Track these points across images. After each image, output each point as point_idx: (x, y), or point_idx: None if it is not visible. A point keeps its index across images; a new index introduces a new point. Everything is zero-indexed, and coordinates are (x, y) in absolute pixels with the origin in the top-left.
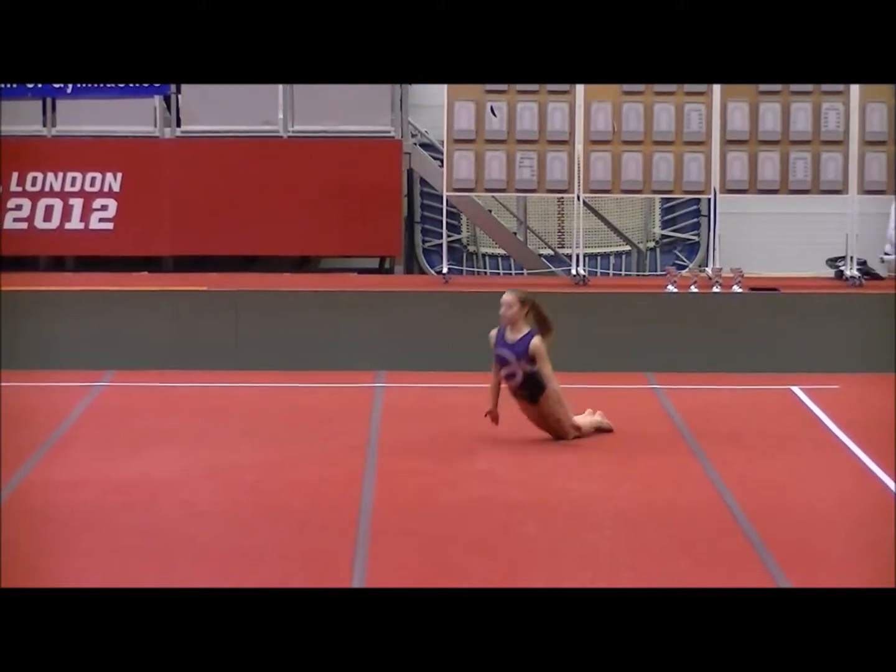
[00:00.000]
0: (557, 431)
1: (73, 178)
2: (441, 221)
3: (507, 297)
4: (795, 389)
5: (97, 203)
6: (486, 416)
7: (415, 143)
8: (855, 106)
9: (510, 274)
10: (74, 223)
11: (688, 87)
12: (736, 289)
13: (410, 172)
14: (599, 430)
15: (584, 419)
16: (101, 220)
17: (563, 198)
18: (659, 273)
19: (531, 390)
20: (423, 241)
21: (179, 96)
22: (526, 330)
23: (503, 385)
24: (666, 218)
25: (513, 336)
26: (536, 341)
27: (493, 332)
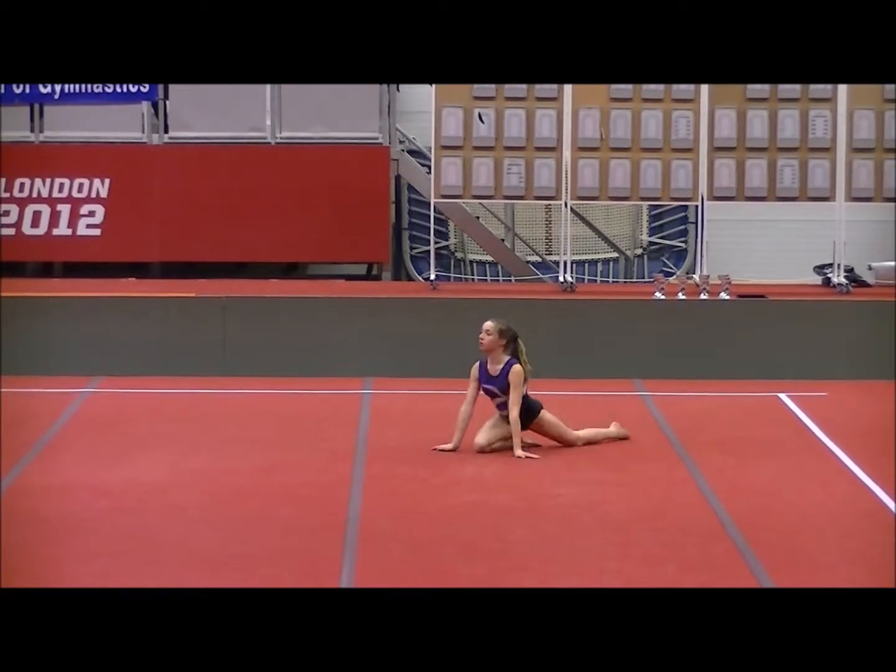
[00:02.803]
0: (564, 442)
1: (61, 184)
2: (429, 228)
3: (488, 324)
4: (783, 396)
5: (85, 209)
6: (436, 449)
7: (402, 150)
8: (843, 113)
9: (498, 280)
10: (62, 229)
11: (676, 94)
12: (723, 296)
13: (398, 179)
14: (617, 438)
15: (588, 431)
16: (88, 226)
17: (550, 204)
18: (646, 280)
19: (524, 417)
20: (411, 248)
21: (167, 102)
22: (505, 360)
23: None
24: (653, 225)
25: (494, 368)
26: (516, 368)
27: (475, 366)
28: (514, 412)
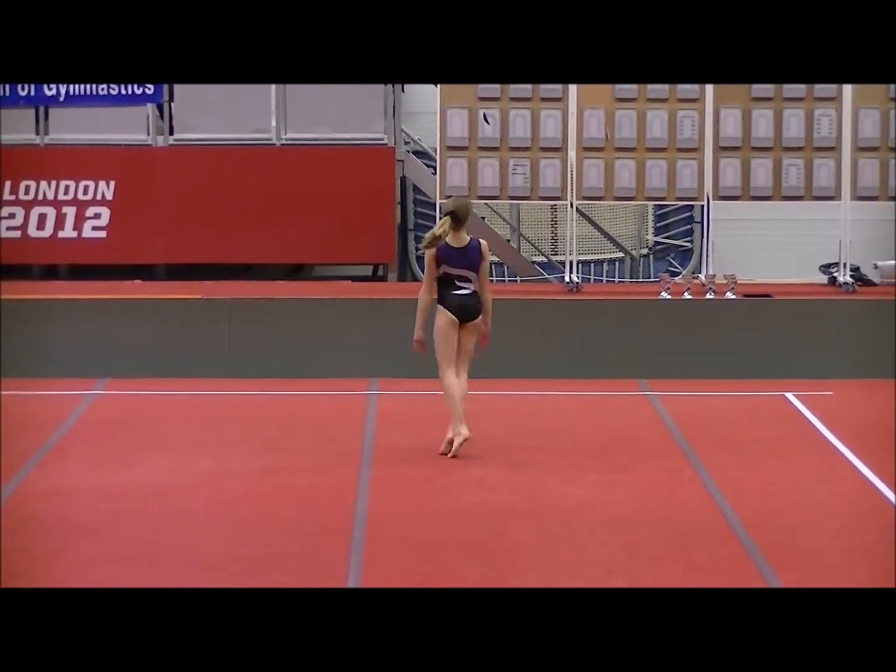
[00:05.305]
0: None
1: (67, 187)
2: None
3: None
4: (789, 395)
5: (90, 211)
6: (415, 345)
7: (408, 151)
8: (847, 112)
9: (503, 281)
10: (68, 231)
11: (680, 94)
12: (729, 295)
13: (403, 180)
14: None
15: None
16: (94, 228)
17: (556, 205)
18: (652, 280)
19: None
20: (417, 249)
21: (172, 104)
22: (467, 237)
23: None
24: (659, 225)
25: (457, 244)
26: (485, 242)
27: (433, 252)
28: (487, 294)
